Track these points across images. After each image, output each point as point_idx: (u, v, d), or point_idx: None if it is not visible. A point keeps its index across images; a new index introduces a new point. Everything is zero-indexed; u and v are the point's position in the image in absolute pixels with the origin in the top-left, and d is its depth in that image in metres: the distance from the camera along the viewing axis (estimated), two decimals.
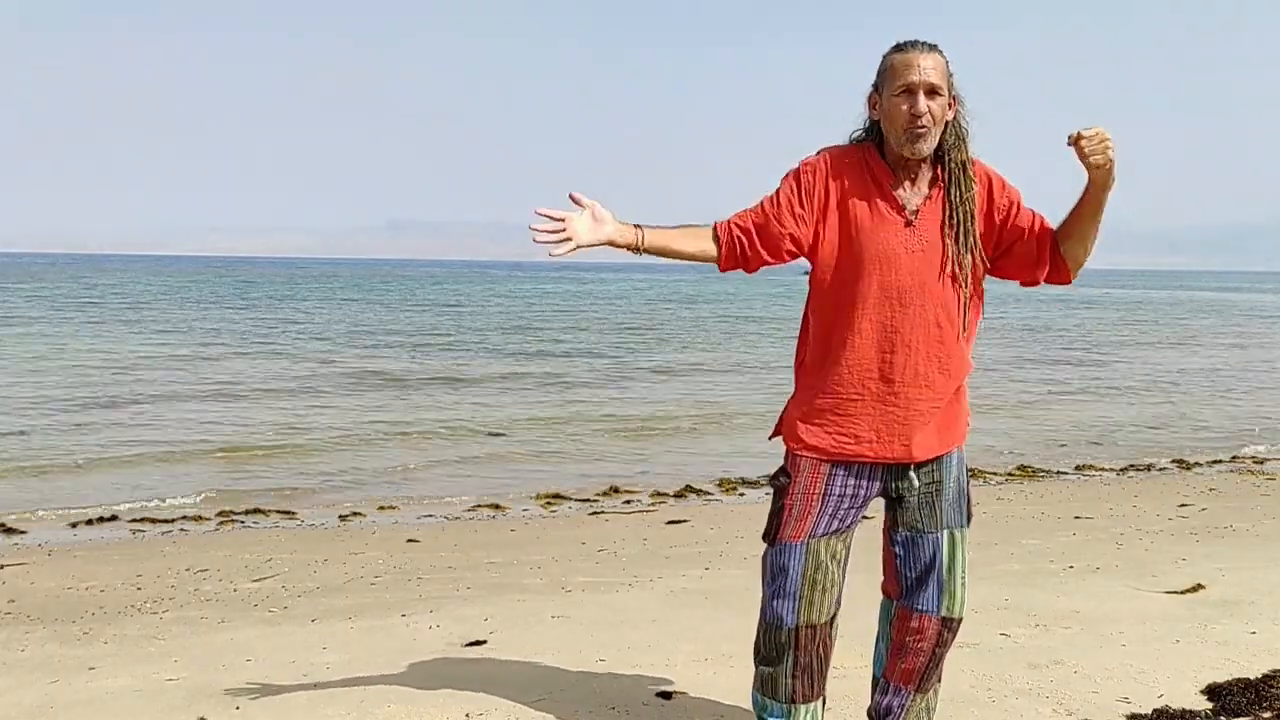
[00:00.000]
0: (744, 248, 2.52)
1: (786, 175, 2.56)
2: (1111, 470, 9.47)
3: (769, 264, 2.57)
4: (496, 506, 7.91)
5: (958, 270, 2.49)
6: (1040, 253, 2.55)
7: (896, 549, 2.65)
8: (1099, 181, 2.41)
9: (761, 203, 2.55)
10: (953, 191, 2.50)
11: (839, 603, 2.62)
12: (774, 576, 2.58)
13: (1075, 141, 2.35)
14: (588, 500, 8.19)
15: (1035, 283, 2.61)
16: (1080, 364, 20.74)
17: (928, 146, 2.45)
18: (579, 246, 2.40)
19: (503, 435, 11.42)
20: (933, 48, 2.45)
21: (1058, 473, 9.37)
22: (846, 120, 2.62)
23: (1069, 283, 2.61)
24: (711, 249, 2.51)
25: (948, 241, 2.49)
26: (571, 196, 2.42)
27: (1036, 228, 2.56)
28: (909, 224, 2.49)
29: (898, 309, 2.48)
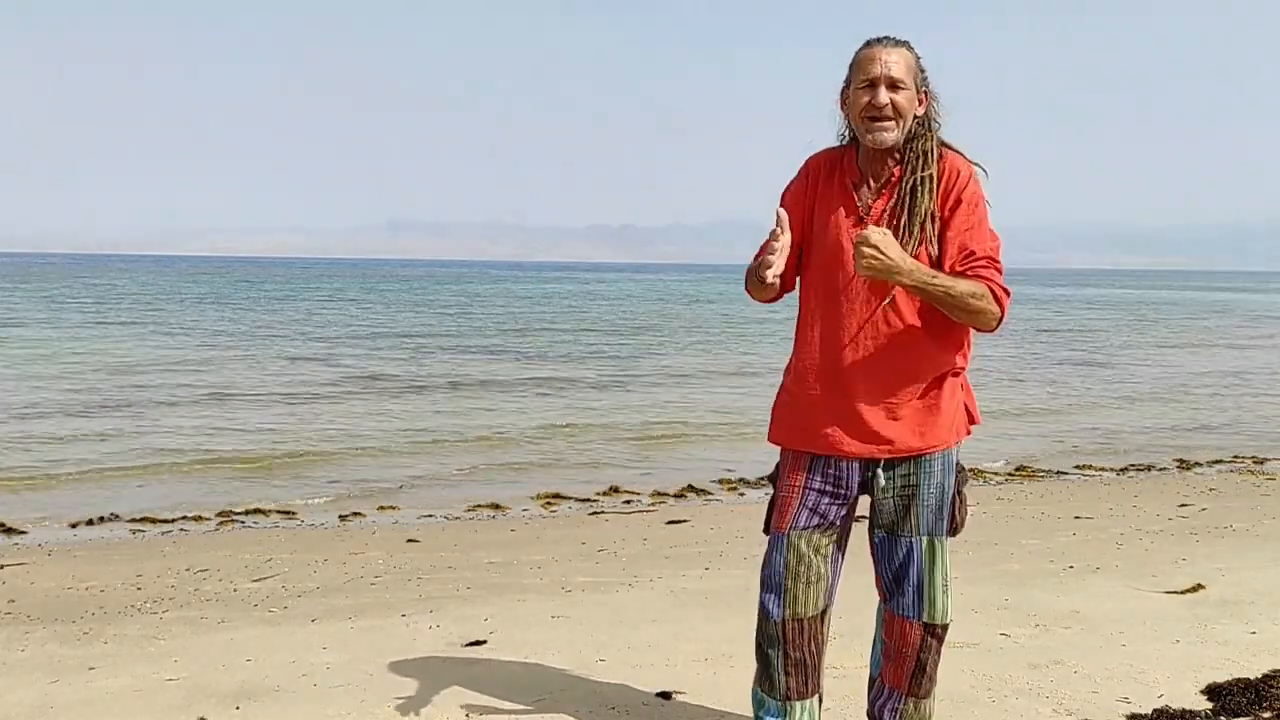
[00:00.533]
0: (788, 276, 2.58)
1: (784, 196, 2.64)
2: (1111, 470, 9.47)
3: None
4: (496, 506, 7.91)
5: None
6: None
7: (874, 550, 2.70)
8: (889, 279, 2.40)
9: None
10: (906, 178, 2.51)
11: (829, 598, 2.64)
12: (763, 567, 2.64)
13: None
14: (588, 500, 8.18)
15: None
16: (1081, 364, 20.73)
17: (890, 137, 2.48)
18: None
19: (504, 436, 11.41)
20: (900, 43, 2.50)
21: (1058, 473, 9.36)
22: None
23: (979, 331, 2.55)
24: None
25: (895, 230, 2.46)
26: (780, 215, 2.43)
27: (960, 260, 2.46)
28: (860, 220, 2.52)
29: (845, 305, 2.52)
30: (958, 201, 2.49)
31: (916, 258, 2.42)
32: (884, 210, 2.50)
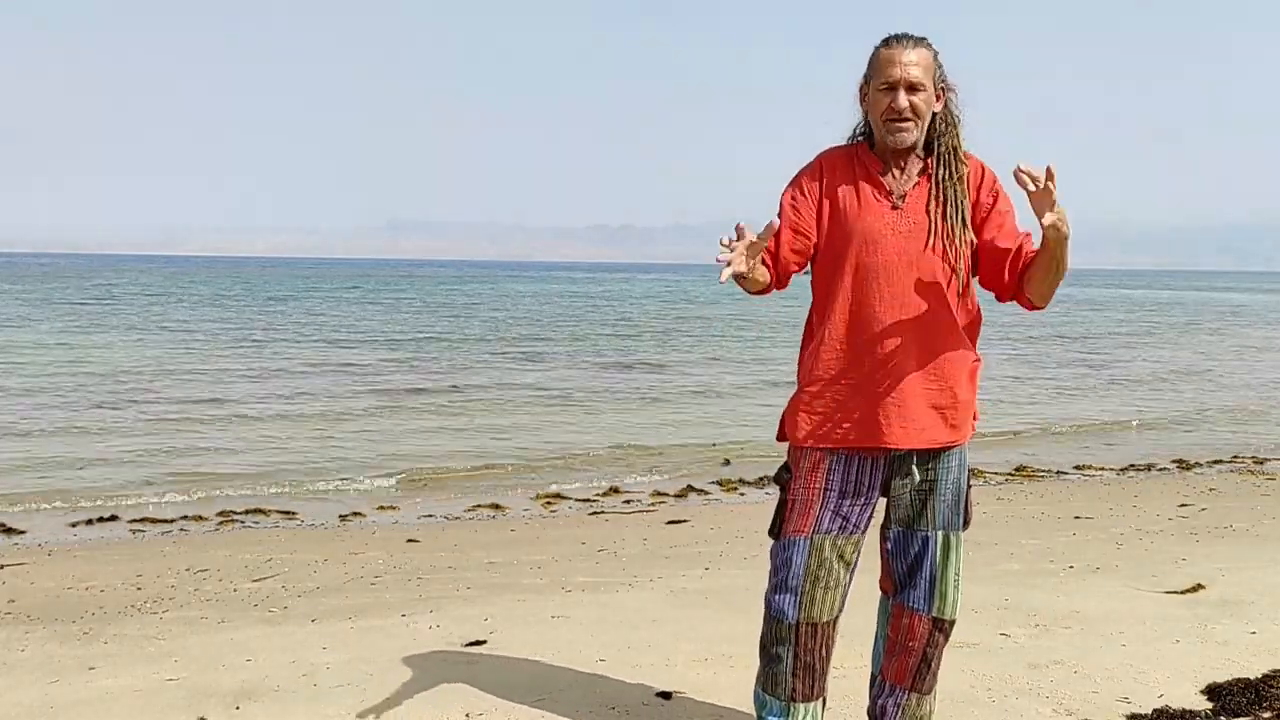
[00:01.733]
0: (784, 267, 2.53)
1: (787, 188, 2.61)
2: (1111, 470, 9.47)
3: (795, 273, 2.61)
4: (496, 506, 7.91)
5: (946, 247, 2.50)
6: (1007, 271, 2.54)
7: (888, 544, 2.68)
8: (1053, 246, 2.40)
9: (781, 220, 2.58)
10: (940, 172, 2.53)
11: (843, 604, 2.63)
12: (777, 569, 2.60)
13: (1033, 194, 2.29)
14: (588, 500, 8.19)
15: (1001, 297, 2.60)
16: (1082, 364, 20.73)
17: (910, 138, 2.49)
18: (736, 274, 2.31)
19: (505, 438, 11.41)
20: (919, 42, 2.50)
21: (1058, 473, 9.36)
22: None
23: (1033, 310, 2.60)
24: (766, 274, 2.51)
25: (934, 219, 2.49)
26: (739, 229, 2.32)
27: (1012, 243, 2.53)
28: (895, 207, 2.52)
29: (884, 288, 2.49)
30: (993, 193, 2.56)
31: (965, 248, 2.51)
32: (921, 200, 2.52)
